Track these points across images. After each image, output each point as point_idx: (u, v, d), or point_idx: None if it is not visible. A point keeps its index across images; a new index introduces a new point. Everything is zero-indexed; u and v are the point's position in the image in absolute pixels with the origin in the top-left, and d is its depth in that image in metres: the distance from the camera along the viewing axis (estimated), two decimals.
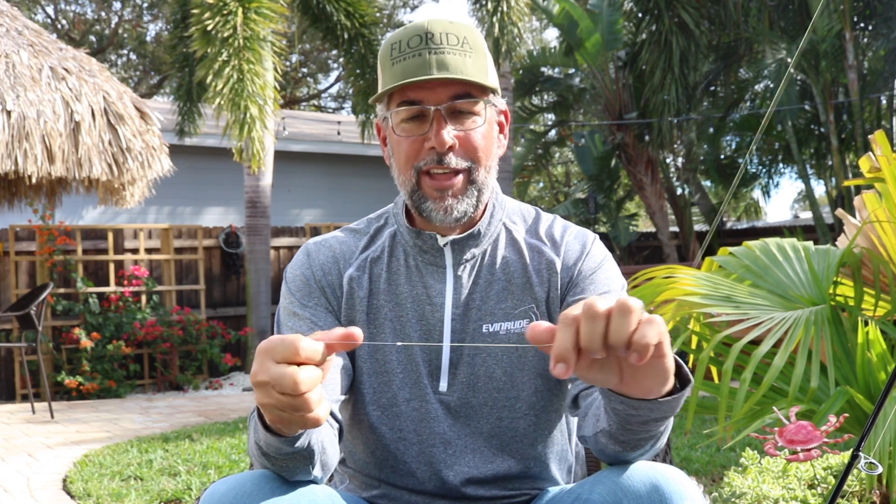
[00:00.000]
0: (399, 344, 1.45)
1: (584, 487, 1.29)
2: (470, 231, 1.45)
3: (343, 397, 1.43)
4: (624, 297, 0.96)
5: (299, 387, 0.98)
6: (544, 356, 1.45)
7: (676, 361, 1.15)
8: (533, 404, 1.45)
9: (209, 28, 7.50)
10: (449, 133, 1.37)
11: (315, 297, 1.46)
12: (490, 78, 1.41)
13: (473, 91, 1.39)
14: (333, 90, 23.47)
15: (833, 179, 13.01)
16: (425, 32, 1.38)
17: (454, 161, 1.38)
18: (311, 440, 1.21)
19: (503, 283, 1.46)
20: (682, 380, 1.17)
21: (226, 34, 7.50)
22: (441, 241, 1.45)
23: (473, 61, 1.38)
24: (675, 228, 14.89)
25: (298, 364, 0.99)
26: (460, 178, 1.40)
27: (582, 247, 1.48)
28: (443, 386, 1.44)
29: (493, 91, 1.42)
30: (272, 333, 1.23)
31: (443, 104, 1.37)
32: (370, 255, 1.49)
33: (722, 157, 14.91)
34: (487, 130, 1.42)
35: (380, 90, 1.43)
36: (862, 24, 12.24)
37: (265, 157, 7.98)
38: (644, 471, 1.24)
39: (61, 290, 8.26)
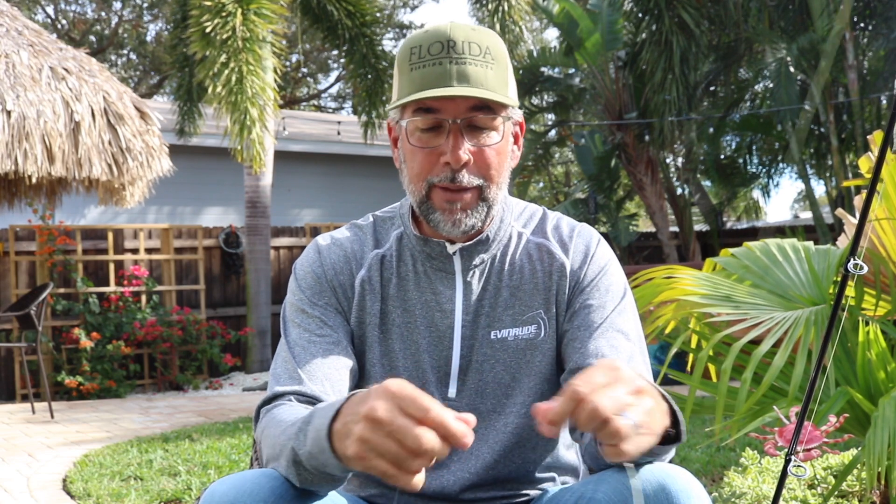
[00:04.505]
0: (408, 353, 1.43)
1: (588, 486, 1.28)
2: (478, 237, 1.44)
3: None
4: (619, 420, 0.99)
5: (422, 446, 0.96)
6: (551, 360, 1.45)
7: (673, 411, 1.19)
8: None
9: (208, 30, 7.49)
10: (465, 149, 1.35)
11: (325, 297, 1.44)
12: (510, 90, 1.38)
13: (493, 105, 1.36)
14: (333, 90, 23.49)
15: (833, 179, 13.01)
16: (447, 40, 1.34)
17: (466, 179, 1.36)
18: None
19: (511, 289, 1.45)
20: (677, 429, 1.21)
21: (225, 36, 7.49)
22: (450, 248, 1.44)
23: (495, 73, 1.35)
24: (675, 228, 14.87)
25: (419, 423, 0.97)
26: (470, 194, 1.38)
27: (586, 249, 1.47)
28: (451, 392, 1.43)
29: (512, 105, 1.39)
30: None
31: (461, 116, 1.34)
32: (380, 254, 1.47)
33: (722, 157, 14.90)
34: (503, 146, 1.39)
35: (395, 93, 1.40)
36: (862, 24, 12.24)
37: (265, 157, 7.98)
38: (650, 470, 1.23)
39: (61, 290, 8.26)
